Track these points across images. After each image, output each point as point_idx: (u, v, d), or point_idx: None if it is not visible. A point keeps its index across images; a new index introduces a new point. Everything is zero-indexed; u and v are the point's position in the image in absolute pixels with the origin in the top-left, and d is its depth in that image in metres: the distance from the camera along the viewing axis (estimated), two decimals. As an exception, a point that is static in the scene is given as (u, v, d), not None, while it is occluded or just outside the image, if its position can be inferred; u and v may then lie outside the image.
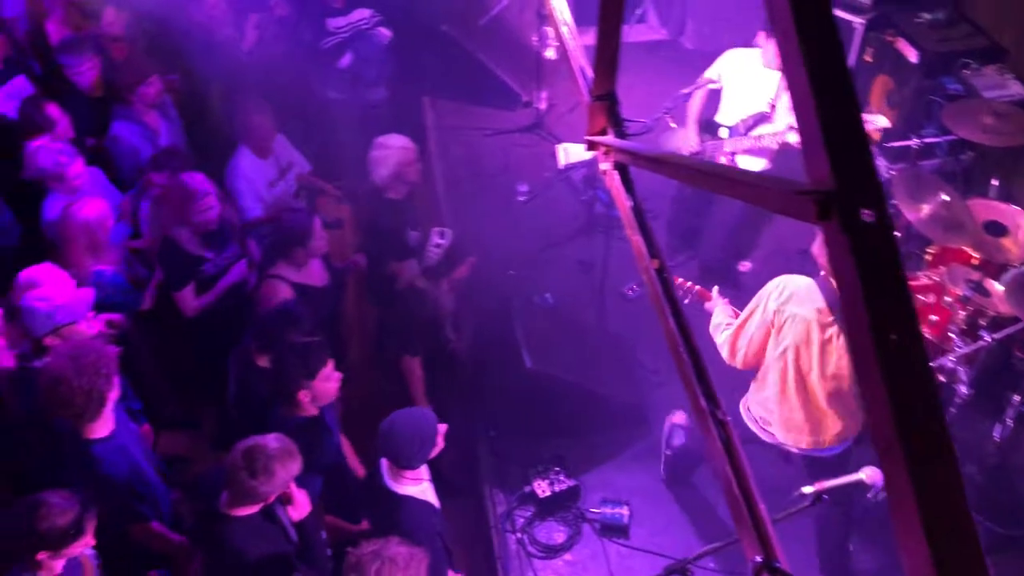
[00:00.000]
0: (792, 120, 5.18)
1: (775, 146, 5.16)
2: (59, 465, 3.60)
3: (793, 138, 5.08)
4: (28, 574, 3.17)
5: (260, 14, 6.17)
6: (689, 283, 4.19)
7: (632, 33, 7.67)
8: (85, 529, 3.17)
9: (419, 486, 3.60)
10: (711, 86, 5.27)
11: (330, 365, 3.76)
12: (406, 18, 6.62)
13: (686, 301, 4.10)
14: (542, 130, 6.65)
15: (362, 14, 6.41)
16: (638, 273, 5.04)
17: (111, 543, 3.52)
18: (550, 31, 6.16)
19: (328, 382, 3.76)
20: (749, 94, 5.21)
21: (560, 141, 6.01)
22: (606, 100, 2.41)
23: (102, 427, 3.58)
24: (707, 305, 4.15)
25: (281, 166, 5.32)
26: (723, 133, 5.27)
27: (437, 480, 3.81)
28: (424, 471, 3.66)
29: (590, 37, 2.22)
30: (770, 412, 3.90)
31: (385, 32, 6.47)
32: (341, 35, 6.38)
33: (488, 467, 4.77)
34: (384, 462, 3.56)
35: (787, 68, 1.10)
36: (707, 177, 1.82)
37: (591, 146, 2.47)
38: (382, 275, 4.95)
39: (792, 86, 1.09)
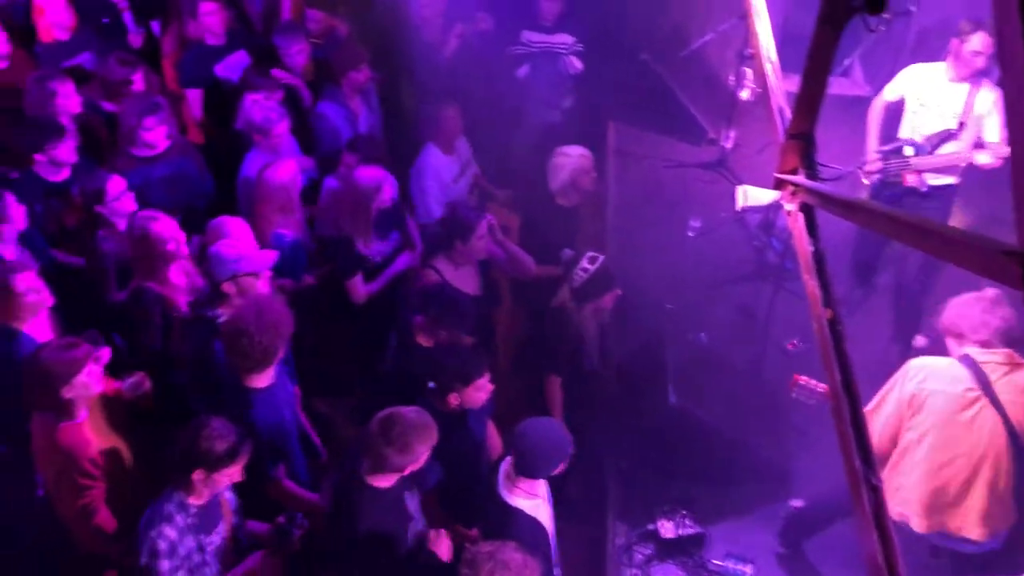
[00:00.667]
0: (980, 137, 4.94)
1: (963, 164, 4.96)
2: (218, 406, 3.84)
3: (983, 159, 4.87)
4: (181, 492, 3.41)
5: (464, 24, 6.38)
6: (814, 382, 3.99)
7: (835, 85, 7.40)
8: (238, 459, 3.38)
9: (532, 501, 3.59)
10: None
11: (486, 376, 3.87)
12: (608, 40, 6.67)
13: (811, 402, 3.92)
14: (724, 169, 6.53)
15: (563, 39, 6.49)
16: (801, 329, 4.86)
17: (246, 490, 3.72)
18: (748, 72, 6.07)
19: (479, 392, 3.87)
20: (935, 111, 5.01)
21: (741, 182, 5.86)
22: (801, 140, 2.36)
23: (263, 379, 3.81)
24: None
25: (463, 163, 5.52)
26: (908, 151, 5.06)
27: (559, 500, 3.80)
28: (542, 489, 3.66)
29: (791, 84, 2.18)
30: (907, 502, 3.69)
31: (576, 63, 6.48)
32: (531, 48, 6.49)
33: (615, 497, 4.71)
34: (503, 468, 3.59)
35: (1008, 92, 1.03)
36: (903, 228, 1.74)
37: (779, 185, 2.42)
38: (539, 289, 5.03)
39: (1011, 118, 1.02)
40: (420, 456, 3.46)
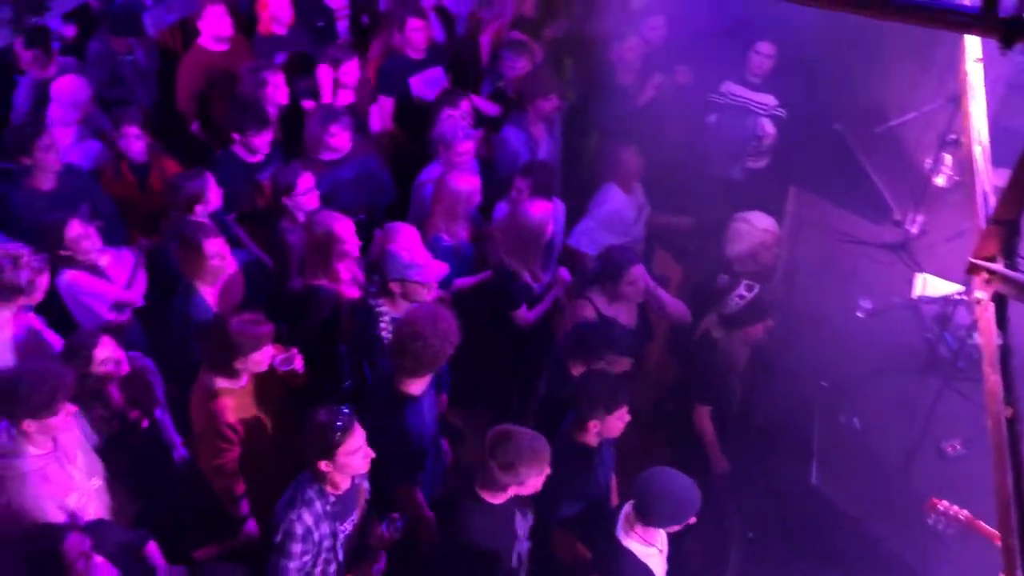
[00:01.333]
0: None
1: None
2: (369, 398, 3.96)
3: None
4: (316, 484, 3.53)
5: (664, 76, 6.38)
6: (955, 508, 3.68)
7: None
8: (350, 430, 3.45)
9: (646, 548, 3.53)
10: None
11: (625, 407, 3.84)
12: (803, 104, 6.51)
13: (948, 531, 3.65)
14: (905, 253, 6.20)
15: (765, 99, 6.39)
16: (964, 433, 4.51)
17: (380, 487, 3.80)
18: (948, 158, 5.78)
19: (619, 421, 3.84)
20: None
21: (922, 270, 5.60)
22: (1005, 227, 2.22)
23: (419, 387, 3.92)
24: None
25: (640, 205, 5.51)
26: None
27: (677, 553, 3.70)
28: (660, 540, 3.59)
29: (997, 177, 2.07)
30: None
31: (769, 127, 6.35)
32: (729, 100, 6.40)
33: (735, 565, 4.53)
34: (625, 510, 3.53)
35: None
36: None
37: (973, 270, 2.28)
38: (691, 332, 4.94)
39: None
40: (525, 480, 3.46)
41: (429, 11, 6.66)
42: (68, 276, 4.58)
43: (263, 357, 3.99)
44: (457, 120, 5.39)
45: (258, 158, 5.43)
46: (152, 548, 3.75)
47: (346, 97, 6.08)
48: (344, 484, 3.57)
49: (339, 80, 5.97)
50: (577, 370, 4.23)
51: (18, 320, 4.31)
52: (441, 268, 4.44)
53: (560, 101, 5.87)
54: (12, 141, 4.96)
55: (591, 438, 3.87)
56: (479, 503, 3.51)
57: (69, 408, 3.63)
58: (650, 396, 5.22)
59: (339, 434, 3.40)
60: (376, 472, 3.91)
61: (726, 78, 6.36)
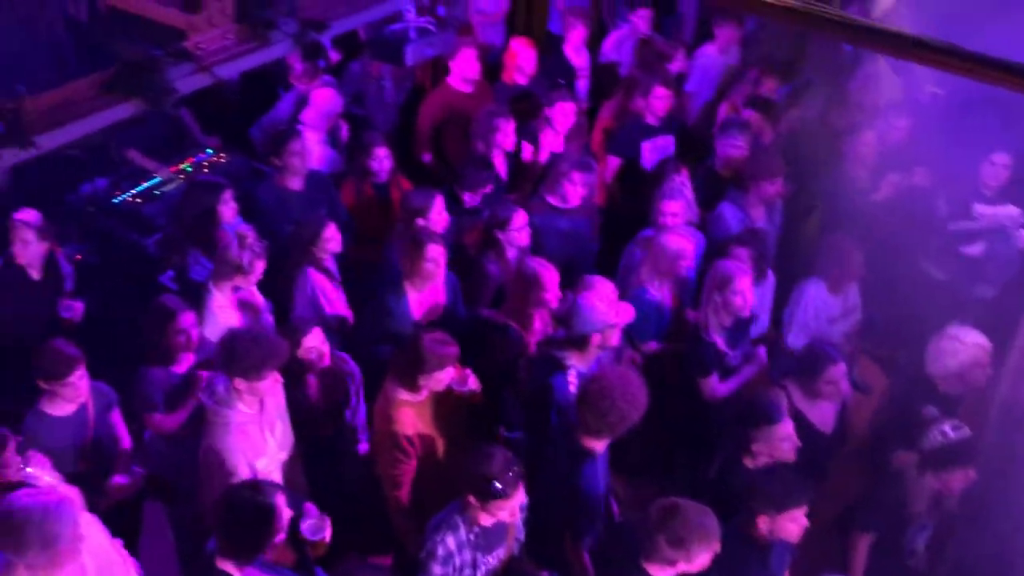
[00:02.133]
0: None
1: None
2: (545, 457, 3.99)
3: None
4: (465, 512, 3.57)
5: (901, 175, 6.12)
6: None
7: None
8: (510, 497, 3.46)
9: None
10: None
11: (803, 509, 3.65)
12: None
13: None
14: None
15: (1010, 211, 5.98)
16: None
17: (551, 544, 3.81)
18: None
19: (793, 524, 3.65)
20: None
21: None
22: None
23: (599, 445, 3.92)
24: None
25: (847, 308, 5.28)
26: None
27: None
28: None
29: None
30: None
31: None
32: (980, 223, 6.02)
33: None
34: None
35: None
36: None
37: None
38: (879, 452, 4.63)
39: None
40: (694, 557, 3.34)
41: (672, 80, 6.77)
42: (311, 273, 4.97)
43: (444, 377, 4.12)
44: (677, 185, 5.43)
45: (475, 202, 5.67)
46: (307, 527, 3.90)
47: (555, 143, 6.22)
48: (490, 521, 3.59)
49: (552, 122, 6.15)
50: (750, 462, 4.09)
51: (235, 298, 4.70)
52: (627, 311, 4.43)
53: (785, 186, 5.75)
54: (268, 143, 5.48)
55: (761, 533, 3.69)
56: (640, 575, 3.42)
57: (276, 376, 3.89)
58: (833, 505, 4.92)
59: (502, 489, 3.43)
60: (540, 522, 3.93)
61: (962, 186, 6.01)
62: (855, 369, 5.09)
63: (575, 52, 7.23)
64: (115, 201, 6.05)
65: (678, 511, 3.34)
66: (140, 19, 3.70)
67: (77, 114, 3.39)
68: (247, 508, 3.29)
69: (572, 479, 3.85)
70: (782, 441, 4.05)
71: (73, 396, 4.09)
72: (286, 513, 3.42)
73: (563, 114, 6.14)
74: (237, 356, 3.82)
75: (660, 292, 5.12)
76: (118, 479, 4.21)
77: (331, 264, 5.14)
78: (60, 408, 4.12)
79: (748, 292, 4.76)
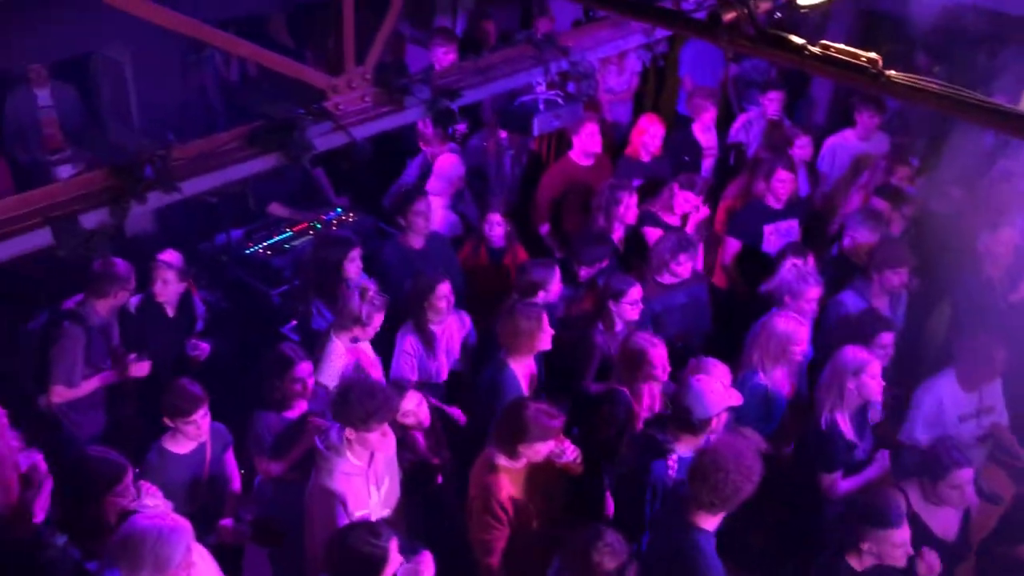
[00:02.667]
0: None
1: None
2: (654, 531, 3.90)
3: None
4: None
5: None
6: None
7: None
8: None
9: None
10: None
11: None
12: None
13: None
14: None
15: None
16: None
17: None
18: None
19: None
20: None
21: None
22: None
23: (711, 523, 3.80)
24: None
25: (981, 407, 4.99)
26: None
27: None
28: None
29: None
30: None
31: None
32: None
33: None
34: None
35: None
36: None
37: None
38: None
39: None
40: None
41: (800, 164, 6.68)
42: (409, 333, 5.10)
43: (545, 448, 4.09)
44: (802, 269, 5.31)
45: (590, 276, 5.69)
46: None
47: (672, 221, 6.25)
48: None
49: (672, 205, 6.16)
50: (857, 564, 3.87)
51: (352, 350, 4.82)
52: (736, 397, 4.31)
53: (911, 278, 5.54)
54: (395, 203, 5.72)
55: None
56: None
57: (387, 431, 3.96)
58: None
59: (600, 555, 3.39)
60: None
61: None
62: (981, 476, 4.76)
63: (703, 131, 7.27)
64: (247, 252, 6.37)
65: None
66: (285, 80, 3.91)
67: (220, 164, 3.58)
68: (361, 550, 3.37)
69: (686, 558, 3.71)
70: (895, 547, 3.83)
71: (195, 434, 4.26)
72: (396, 559, 3.45)
73: (684, 200, 6.18)
74: (350, 405, 3.91)
75: (770, 378, 4.97)
76: (226, 522, 4.33)
77: (440, 324, 5.23)
78: (181, 445, 4.31)
79: (879, 378, 4.59)
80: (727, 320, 6.01)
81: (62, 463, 4.06)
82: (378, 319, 4.80)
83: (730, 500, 3.69)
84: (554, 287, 5.22)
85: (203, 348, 5.27)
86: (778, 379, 5.00)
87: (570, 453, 4.27)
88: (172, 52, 7.50)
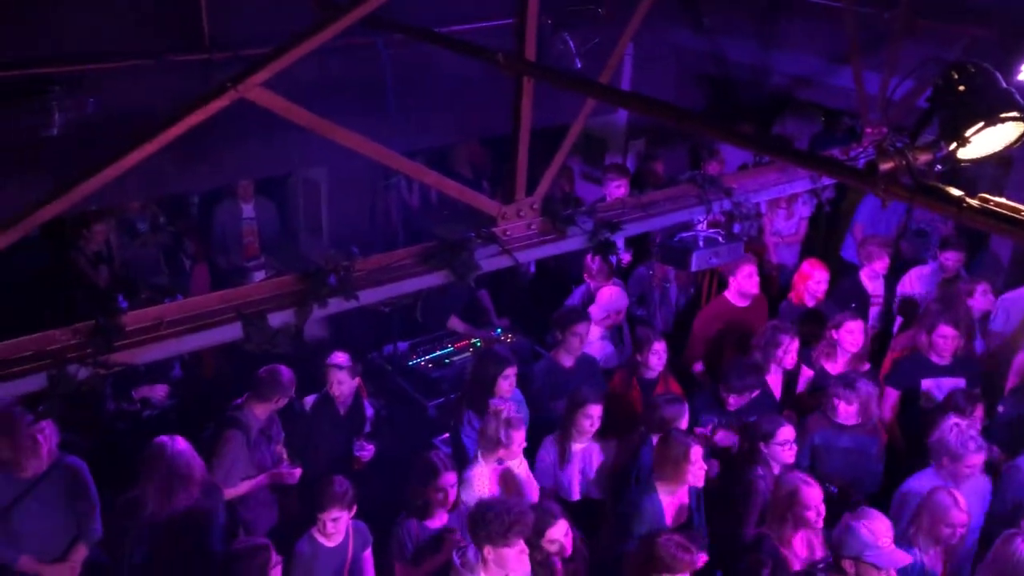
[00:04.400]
0: None
1: None
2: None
3: None
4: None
5: None
6: None
7: None
8: None
9: None
10: None
11: None
12: None
13: None
14: None
15: None
16: None
17: None
18: None
19: None
20: None
21: None
22: None
23: None
24: None
25: None
26: None
27: None
28: None
29: None
30: None
31: None
32: None
33: None
34: None
35: None
36: None
37: None
38: None
39: None
40: None
41: (976, 323, 6.43)
42: (550, 444, 5.23)
43: None
44: (964, 429, 5.01)
45: (739, 405, 5.64)
46: None
47: (837, 366, 6.13)
48: None
49: (838, 343, 6.08)
50: None
51: (497, 471, 4.97)
52: (902, 557, 4.08)
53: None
54: (558, 319, 6.04)
55: None
56: None
57: (522, 547, 4.01)
58: None
59: None
60: None
61: None
62: None
63: (870, 279, 7.14)
64: (410, 363, 6.72)
65: None
66: (460, 207, 4.24)
67: (395, 276, 3.89)
68: None
69: None
70: None
71: (332, 529, 4.48)
72: None
73: (850, 333, 6.05)
74: (488, 522, 4.00)
75: (926, 556, 4.60)
76: None
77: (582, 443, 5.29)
78: (328, 539, 4.51)
79: None
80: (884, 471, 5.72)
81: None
82: (517, 437, 4.91)
83: None
84: (683, 423, 5.21)
85: (368, 449, 5.53)
86: (934, 561, 4.64)
87: None
88: (364, 176, 8.18)
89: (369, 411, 5.85)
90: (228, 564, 4.18)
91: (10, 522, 4.50)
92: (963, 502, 4.61)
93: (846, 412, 5.42)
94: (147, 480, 4.59)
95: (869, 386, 5.53)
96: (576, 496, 5.37)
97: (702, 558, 4.10)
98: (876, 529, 4.15)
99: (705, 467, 4.84)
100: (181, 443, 4.65)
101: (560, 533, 4.41)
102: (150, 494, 4.57)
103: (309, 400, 5.66)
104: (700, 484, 4.87)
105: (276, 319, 3.55)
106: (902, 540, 4.59)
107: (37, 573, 4.59)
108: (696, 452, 4.75)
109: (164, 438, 4.67)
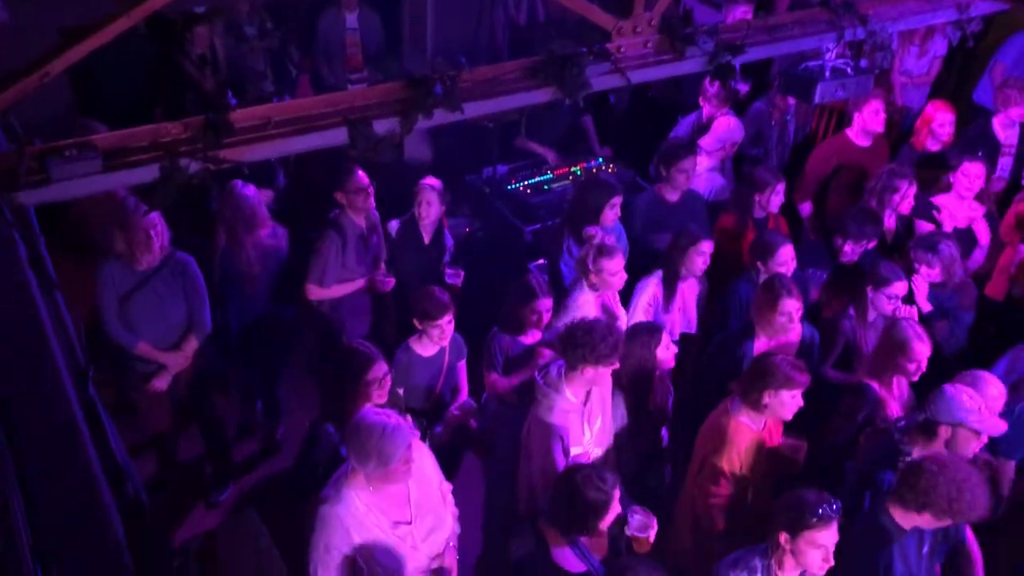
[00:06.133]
0: None
1: None
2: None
3: None
4: (765, 559, 3.49)
5: None
6: None
7: None
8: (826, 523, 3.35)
9: None
10: None
11: None
12: None
13: None
14: None
15: None
16: None
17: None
18: None
19: None
20: None
21: None
22: None
23: (909, 520, 3.64)
24: None
25: None
26: None
27: None
28: None
29: None
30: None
31: None
32: None
33: None
34: None
35: None
36: None
37: None
38: None
39: None
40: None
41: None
42: (652, 284, 5.13)
43: (791, 403, 3.98)
44: None
45: (854, 256, 5.43)
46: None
47: (957, 211, 5.84)
48: (792, 572, 3.44)
49: (956, 187, 5.76)
50: None
51: (598, 299, 4.93)
52: (999, 426, 3.97)
53: None
54: (663, 153, 5.78)
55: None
56: None
57: (615, 365, 4.04)
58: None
59: (815, 518, 3.29)
60: None
61: None
62: None
63: (1004, 127, 6.61)
64: (508, 188, 6.65)
65: None
66: (569, 25, 4.02)
67: (502, 91, 3.77)
68: (587, 494, 3.47)
69: (878, 556, 3.56)
70: None
71: (438, 338, 4.56)
72: (616, 508, 3.56)
73: (966, 176, 5.70)
74: (586, 341, 3.97)
75: None
76: (454, 410, 4.67)
77: (686, 281, 5.21)
78: (425, 348, 4.63)
79: None
80: (1003, 334, 5.47)
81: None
82: (611, 265, 4.75)
83: (932, 506, 3.51)
84: (785, 260, 4.98)
85: (460, 275, 5.55)
86: None
87: (801, 448, 4.19)
88: (472, -9, 7.89)
89: (449, 242, 5.80)
90: (341, 364, 4.23)
91: (128, 311, 4.76)
92: None
93: (928, 275, 5.17)
94: (219, 219, 5.27)
95: (952, 247, 5.20)
96: (675, 337, 5.30)
97: (809, 378, 4.03)
98: (975, 395, 4.01)
99: (799, 327, 4.69)
100: (250, 188, 5.21)
101: (667, 352, 4.42)
102: (220, 231, 5.24)
103: (393, 225, 5.66)
104: (793, 339, 4.73)
105: (381, 126, 3.50)
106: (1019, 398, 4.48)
107: (154, 358, 4.88)
108: (788, 303, 4.53)
109: (236, 181, 5.17)
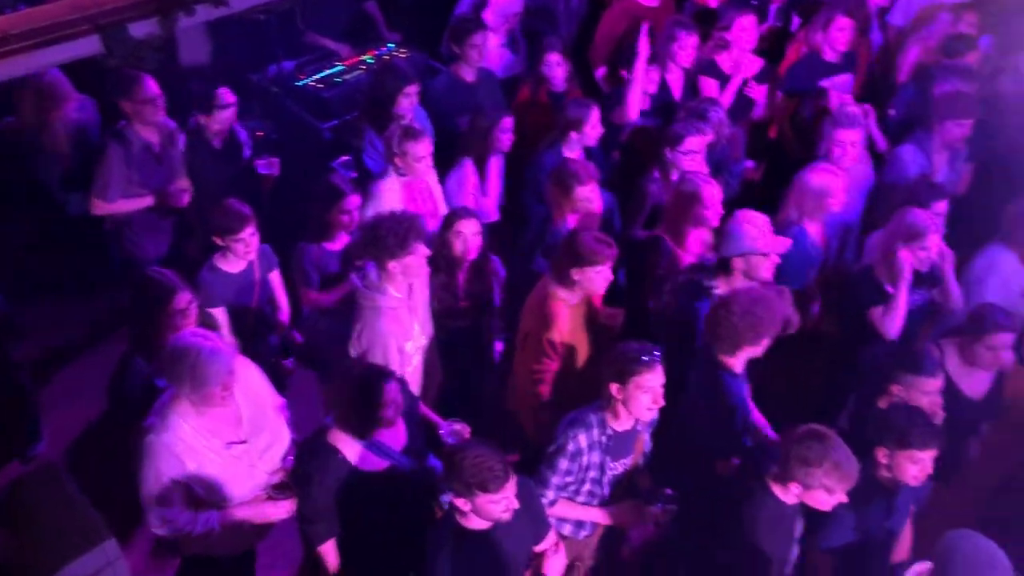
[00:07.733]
0: None
1: None
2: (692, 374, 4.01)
3: None
4: (607, 411, 3.62)
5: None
6: None
7: None
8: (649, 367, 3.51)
9: None
10: None
11: (929, 453, 3.47)
12: None
13: None
14: None
15: None
16: None
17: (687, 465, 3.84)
18: None
19: (913, 465, 3.48)
20: None
21: None
22: None
23: (736, 364, 3.87)
24: None
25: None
26: None
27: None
28: None
29: None
30: None
31: None
32: None
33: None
34: (919, 567, 3.20)
35: None
36: None
37: None
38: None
39: None
40: (813, 485, 3.25)
41: (873, 16, 6.32)
42: (465, 167, 5.09)
43: (599, 278, 4.08)
44: (858, 115, 5.12)
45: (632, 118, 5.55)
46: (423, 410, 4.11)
47: (736, 63, 5.97)
48: (626, 422, 3.61)
49: (730, 44, 5.87)
50: (884, 404, 3.90)
51: (406, 185, 4.81)
52: (784, 241, 4.29)
53: (972, 132, 5.27)
54: (452, 32, 5.66)
55: (883, 474, 3.55)
56: (768, 495, 3.39)
57: (423, 250, 4.00)
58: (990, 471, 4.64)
59: (639, 365, 3.44)
60: (676, 442, 3.95)
61: None
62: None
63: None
64: (297, 84, 6.32)
65: (821, 438, 3.25)
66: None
67: (269, -21, 3.54)
68: (363, 388, 3.45)
69: (713, 390, 3.80)
70: (924, 395, 3.83)
71: (243, 252, 4.36)
72: (396, 398, 3.52)
73: (743, 30, 5.84)
74: (379, 238, 3.91)
75: (817, 229, 4.86)
76: (274, 339, 4.51)
77: (497, 158, 5.19)
78: (231, 264, 4.41)
79: (935, 249, 4.46)
80: (777, 175, 5.82)
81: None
82: (417, 148, 4.65)
83: (739, 341, 3.76)
84: (590, 128, 5.06)
85: (275, 163, 5.20)
86: (812, 230, 4.85)
87: (618, 315, 4.36)
88: None
89: (242, 133, 5.44)
90: (141, 296, 3.98)
91: None
92: (833, 177, 4.76)
93: (695, 144, 5.09)
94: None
95: (719, 112, 5.34)
96: (495, 217, 5.31)
97: (615, 251, 4.16)
98: (756, 223, 4.27)
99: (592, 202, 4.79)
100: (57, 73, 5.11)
101: (470, 229, 4.40)
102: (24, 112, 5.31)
103: (182, 139, 5.21)
104: (596, 209, 4.85)
105: (138, 30, 3.20)
106: (787, 223, 4.79)
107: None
108: (583, 191, 4.62)
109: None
